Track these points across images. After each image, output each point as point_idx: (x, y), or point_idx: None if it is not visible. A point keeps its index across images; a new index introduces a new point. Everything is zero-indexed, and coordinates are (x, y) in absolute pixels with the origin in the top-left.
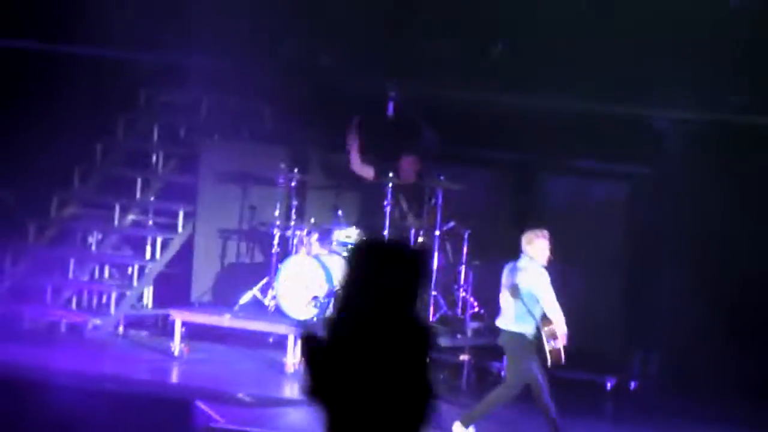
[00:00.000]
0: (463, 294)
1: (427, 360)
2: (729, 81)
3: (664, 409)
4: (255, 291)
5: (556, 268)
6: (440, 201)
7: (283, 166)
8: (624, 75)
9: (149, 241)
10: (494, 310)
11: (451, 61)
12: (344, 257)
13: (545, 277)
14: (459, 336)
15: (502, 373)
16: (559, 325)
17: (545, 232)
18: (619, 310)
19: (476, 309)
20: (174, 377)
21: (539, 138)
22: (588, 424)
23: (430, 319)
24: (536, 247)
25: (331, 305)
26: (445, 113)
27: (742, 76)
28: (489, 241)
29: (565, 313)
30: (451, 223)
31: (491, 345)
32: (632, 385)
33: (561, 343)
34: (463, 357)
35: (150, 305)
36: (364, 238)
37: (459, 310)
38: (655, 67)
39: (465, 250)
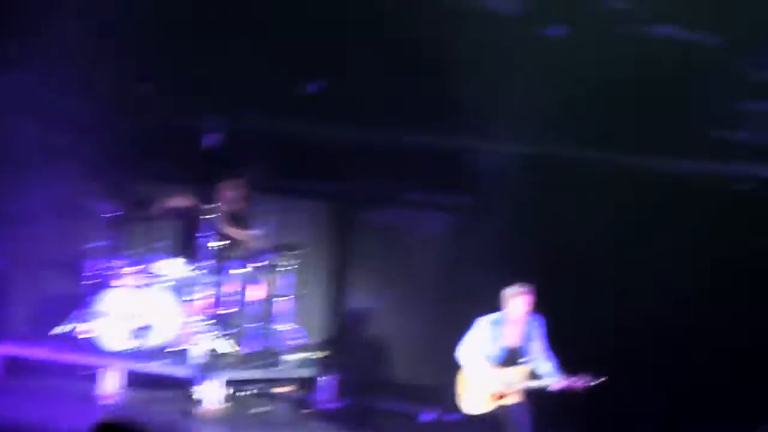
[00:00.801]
0: (286, 327)
1: None
2: (551, 114)
3: None
4: (70, 323)
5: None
6: (264, 231)
7: (100, 196)
8: (442, 105)
9: None
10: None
11: (269, 92)
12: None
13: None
14: (274, 368)
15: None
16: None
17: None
18: (437, 340)
19: (300, 340)
20: None
21: (362, 169)
22: None
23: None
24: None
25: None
26: (267, 145)
27: (565, 110)
28: (316, 271)
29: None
30: (275, 254)
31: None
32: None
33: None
34: (280, 389)
35: None
36: (106, 421)
37: (278, 342)
38: (475, 98)
39: (290, 281)
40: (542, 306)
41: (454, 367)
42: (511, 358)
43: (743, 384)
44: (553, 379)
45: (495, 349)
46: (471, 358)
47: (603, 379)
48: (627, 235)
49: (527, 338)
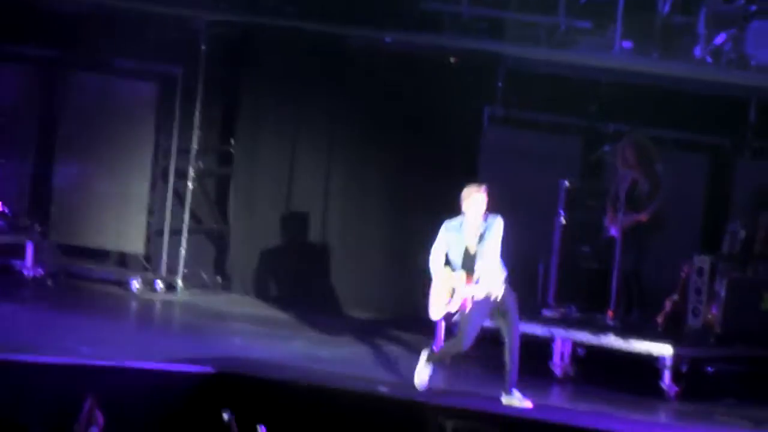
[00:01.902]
0: None
1: None
2: None
3: None
4: None
5: None
6: None
7: None
8: None
9: None
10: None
11: None
12: None
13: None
14: None
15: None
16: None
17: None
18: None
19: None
20: None
21: (70, 35)
22: None
23: None
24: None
25: None
26: None
27: None
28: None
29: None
30: None
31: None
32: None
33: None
34: None
35: None
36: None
37: None
38: None
39: None
40: None
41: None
42: (470, 263)
43: None
44: (493, 287)
45: (458, 252)
46: (437, 266)
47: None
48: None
49: (480, 239)
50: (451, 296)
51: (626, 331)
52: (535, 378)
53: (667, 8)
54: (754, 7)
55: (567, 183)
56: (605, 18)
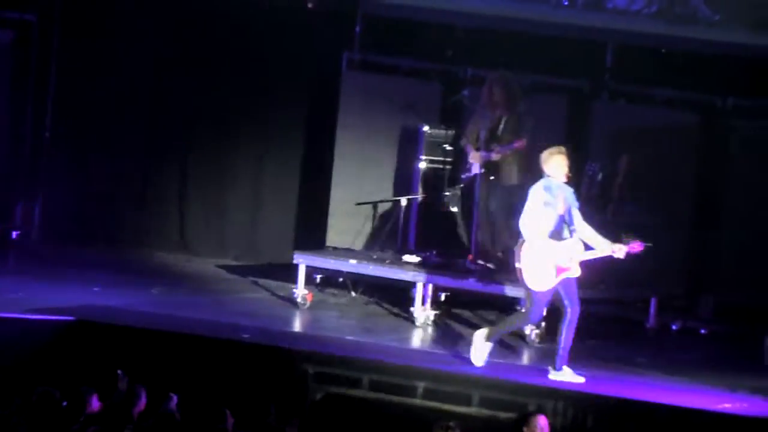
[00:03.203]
0: None
1: None
2: None
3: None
4: None
5: None
6: None
7: None
8: None
9: None
10: None
11: None
12: None
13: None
14: None
15: None
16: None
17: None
18: None
19: None
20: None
21: None
22: None
23: None
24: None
25: None
26: None
27: None
28: None
29: None
30: None
31: None
32: (14, 234)
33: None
34: None
35: None
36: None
37: None
38: None
39: None
40: None
41: None
42: (562, 225)
43: None
44: (602, 247)
45: (551, 216)
46: (532, 232)
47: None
48: None
49: (568, 206)
50: (565, 264)
51: (486, 275)
52: (396, 323)
53: None
54: None
55: (426, 127)
56: None
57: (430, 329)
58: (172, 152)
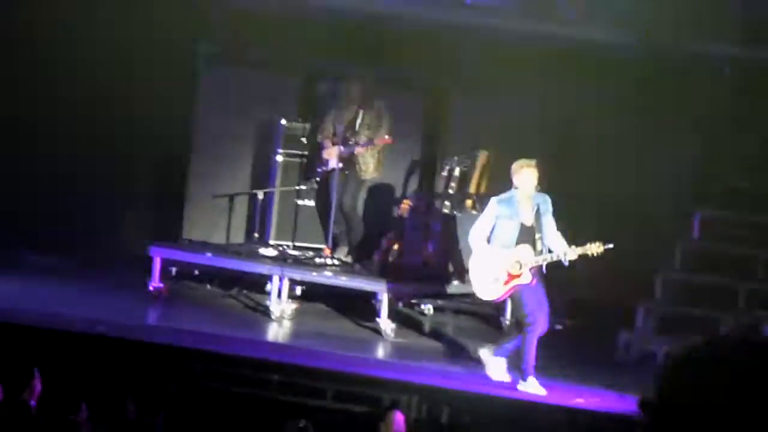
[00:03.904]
0: None
1: None
2: None
3: None
4: None
5: None
6: None
7: None
8: None
9: None
10: None
11: None
12: None
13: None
14: None
15: None
16: None
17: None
18: None
19: None
20: None
21: None
22: None
23: None
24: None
25: None
26: None
27: None
28: None
29: None
30: None
31: None
32: None
33: None
34: None
35: None
36: None
37: None
38: None
39: None
40: None
41: None
42: (527, 236)
43: None
44: (568, 251)
45: (511, 228)
46: (481, 242)
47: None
48: None
49: (537, 215)
50: (514, 271)
51: (342, 268)
52: (253, 316)
53: None
54: None
55: (284, 121)
56: None
57: (285, 323)
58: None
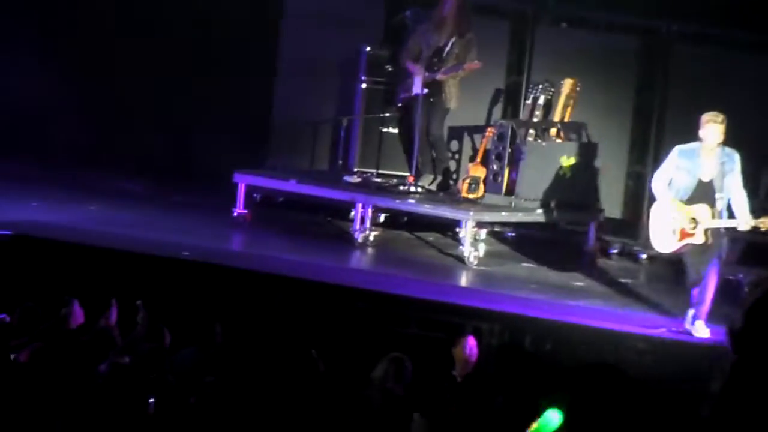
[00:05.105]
0: None
1: None
2: None
3: None
4: None
5: None
6: None
7: None
8: None
9: None
10: None
11: None
12: None
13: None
14: None
15: None
16: None
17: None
18: None
19: None
20: None
21: None
22: None
23: None
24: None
25: None
26: None
27: None
28: None
29: None
30: None
31: None
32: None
33: None
34: None
35: None
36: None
37: None
38: None
39: None
40: None
41: None
42: (703, 192)
43: None
44: (744, 219)
45: (687, 181)
46: (663, 191)
47: None
48: None
49: (720, 172)
50: (689, 229)
51: (426, 196)
52: (337, 243)
53: None
54: None
55: (368, 48)
56: None
57: (369, 250)
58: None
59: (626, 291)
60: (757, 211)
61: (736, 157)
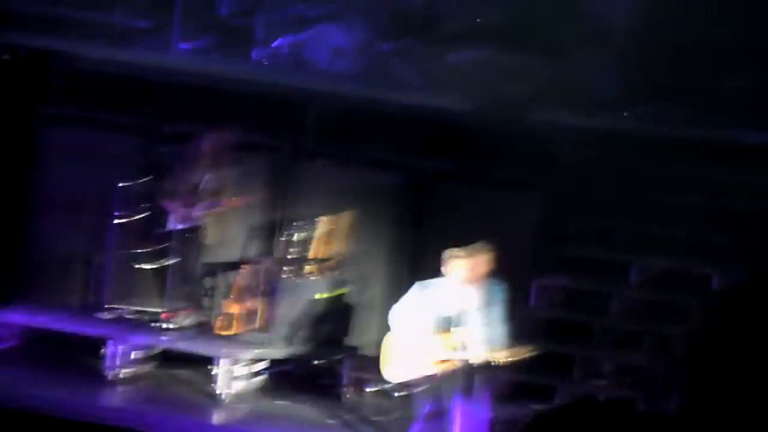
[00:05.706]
0: None
1: None
2: None
3: None
4: None
5: None
6: None
7: None
8: None
9: None
10: None
11: None
12: None
13: None
14: None
15: None
16: None
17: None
18: None
19: None
20: None
21: None
22: None
23: None
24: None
25: None
26: None
27: None
28: None
29: None
30: None
31: None
32: None
33: None
34: None
35: None
36: None
37: None
38: None
39: None
40: None
41: None
42: (444, 326)
43: None
44: (479, 353)
45: (428, 315)
46: (401, 324)
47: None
48: None
49: (473, 305)
50: (432, 357)
51: (180, 332)
52: (87, 380)
53: (225, 10)
54: (313, 12)
55: (122, 183)
56: (165, 17)
57: (120, 387)
58: None
59: (379, 429)
60: (514, 344)
61: (500, 289)
